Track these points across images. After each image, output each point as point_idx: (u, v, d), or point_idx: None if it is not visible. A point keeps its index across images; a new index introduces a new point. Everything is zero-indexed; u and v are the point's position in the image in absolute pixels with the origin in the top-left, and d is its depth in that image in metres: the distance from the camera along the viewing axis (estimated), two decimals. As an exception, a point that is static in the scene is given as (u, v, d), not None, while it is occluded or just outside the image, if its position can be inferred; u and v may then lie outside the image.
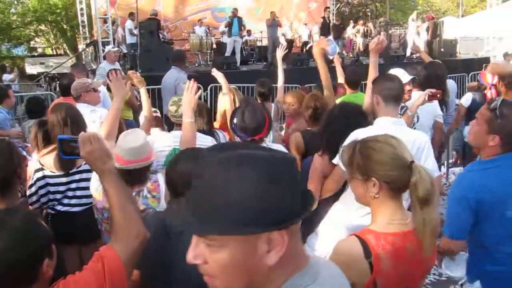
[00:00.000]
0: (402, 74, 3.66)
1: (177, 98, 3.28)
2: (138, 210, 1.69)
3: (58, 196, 2.99)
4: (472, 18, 22.57)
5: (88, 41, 17.04)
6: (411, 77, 3.84)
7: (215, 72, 4.08)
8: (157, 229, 1.74)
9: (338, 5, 24.82)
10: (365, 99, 3.23)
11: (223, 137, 3.74)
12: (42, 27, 28.27)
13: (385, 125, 2.55)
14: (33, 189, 2.91)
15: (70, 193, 3.01)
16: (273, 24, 13.55)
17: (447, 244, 2.27)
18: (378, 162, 1.54)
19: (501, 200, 2.20)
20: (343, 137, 2.38)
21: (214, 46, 15.78)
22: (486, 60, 14.41)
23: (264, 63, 14.47)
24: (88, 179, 2.98)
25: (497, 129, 2.26)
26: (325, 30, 15.36)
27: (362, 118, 2.68)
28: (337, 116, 2.69)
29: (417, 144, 2.58)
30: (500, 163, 2.27)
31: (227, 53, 13.63)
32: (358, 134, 2.46)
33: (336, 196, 2.63)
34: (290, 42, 16.79)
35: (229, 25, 13.53)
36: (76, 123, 3.05)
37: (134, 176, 2.50)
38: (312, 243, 2.49)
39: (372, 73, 3.27)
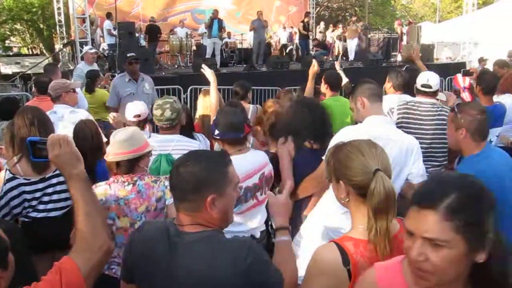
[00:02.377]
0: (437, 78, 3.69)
1: (161, 102, 3.22)
2: (105, 220, 1.63)
3: (34, 202, 2.88)
4: (449, 23, 23.03)
5: (65, 41, 16.75)
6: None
7: (205, 68, 3.99)
8: (161, 241, 1.55)
9: (318, 8, 25.02)
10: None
11: (203, 139, 3.71)
12: (18, 26, 27.67)
13: (376, 122, 2.60)
14: (3, 201, 2.75)
15: (45, 198, 2.91)
16: (259, 24, 13.38)
17: None
18: (345, 166, 1.59)
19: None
20: (302, 121, 2.95)
21: (194, 48, 15.71)
22: (463, 65, 14.72)
23: (244, 65, 14.45)
24: (65, 182, 2.91)
25: (460, 123, 2.57)
26: (304, 34, 15.53)
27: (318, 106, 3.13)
28: (298, 104, 3.17)
29: (405, 145, 2.58)
30: (488, 153, 2.53)
31: (207, 55, 13.55)
32: (349, 131, 2.57)
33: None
34: (268, 45, 16.90)
35: (209, 25, 13.44)
36: (43, 124, 2.97)
37: (133, 165, 2.54)
38: (297, 242, 2.52)
39: None
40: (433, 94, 3.61)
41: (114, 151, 2.53)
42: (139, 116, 3.72)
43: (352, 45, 15.76)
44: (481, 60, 13.62)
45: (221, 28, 13.59)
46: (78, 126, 3.33)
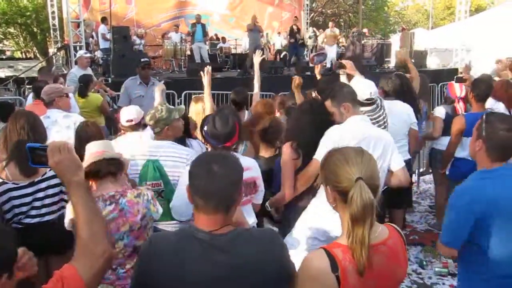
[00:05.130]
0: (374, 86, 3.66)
1: (158, 108, 3.25)
2: (106, 227, 1.61)
3: (24, 208, 2.85)
4: (442, 30, 23.24)
5: (59, 45, 16.71)
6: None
7: (205, 74, 4.45)
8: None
9: (312, 14, 25.14)
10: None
11: (197, 144, 3.70)
12: (11, 29, 27.58)
13: (355, 122, 2.85)
14: None
15: (37, 203, 2.89)
16: (254, 29, 13.26)
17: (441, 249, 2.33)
18: (332, 172, 1.62)
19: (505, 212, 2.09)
20: (309, 128, 2.93)
21: (188, 52, 15.74)
22: (455, 71, 14.83)
23: (239, 70, 14.48)
24: (56, 185, 2.91)
25: (480, 133, 2.27)
26: (292, 37, 15.68)
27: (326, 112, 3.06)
28: (307, 109, 3.14)
29: (383, 141, 2.86)
30: (501, 173, 2.20)
31: (197, 60, 13.61)
32: (334, 131, 2.79)
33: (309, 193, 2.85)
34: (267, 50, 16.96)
35: (193, 31, 13.51)
36: (33, 129, 2.96)
37: (118, 166, 2.49)
38: (288, 243, 2.52)
39: None
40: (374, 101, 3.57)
41: (91, 151, 2.45)
42: (131, 120, 3.71)
43: (332, 52, 14.86)
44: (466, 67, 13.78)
45: (204, 32, 13.72)
46: (80, 128, 3.31)
